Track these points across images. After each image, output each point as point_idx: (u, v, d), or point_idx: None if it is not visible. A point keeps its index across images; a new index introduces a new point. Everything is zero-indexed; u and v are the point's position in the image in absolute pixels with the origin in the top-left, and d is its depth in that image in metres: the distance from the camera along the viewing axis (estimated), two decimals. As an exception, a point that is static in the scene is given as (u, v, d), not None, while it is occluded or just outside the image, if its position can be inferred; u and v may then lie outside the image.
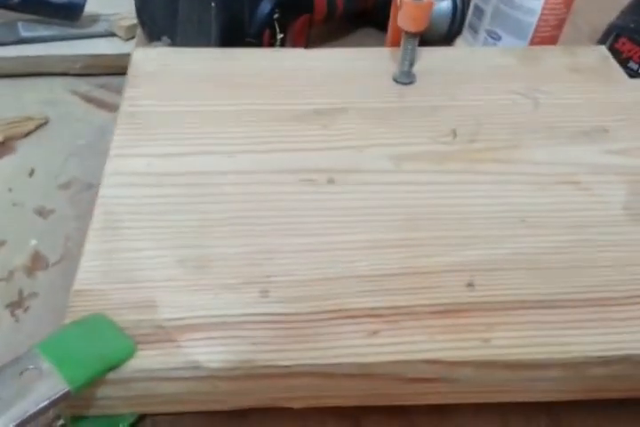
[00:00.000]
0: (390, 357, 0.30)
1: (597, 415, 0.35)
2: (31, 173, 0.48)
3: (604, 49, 0.50)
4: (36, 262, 0.43)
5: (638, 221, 0.37)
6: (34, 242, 0.44)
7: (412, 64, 0.45)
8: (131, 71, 0.45)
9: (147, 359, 0.29)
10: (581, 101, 0.45)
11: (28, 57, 0.57)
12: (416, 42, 0.44)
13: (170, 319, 0.31)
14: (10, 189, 0.46)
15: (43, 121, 0.52)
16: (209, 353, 0.29)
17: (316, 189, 0.38)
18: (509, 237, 0.36)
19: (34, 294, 0.42)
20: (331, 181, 0.38)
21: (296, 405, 0.33)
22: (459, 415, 0.35)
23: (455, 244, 0.35)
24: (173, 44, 0.53)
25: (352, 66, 0.47)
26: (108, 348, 0.29)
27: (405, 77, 0.46)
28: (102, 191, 0.37)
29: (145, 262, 0.33)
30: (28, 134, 0.51)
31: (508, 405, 0.34)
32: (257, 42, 0.50)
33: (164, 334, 0.30)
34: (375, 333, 0.31)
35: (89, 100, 0.57)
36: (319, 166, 0.39)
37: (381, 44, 0.52)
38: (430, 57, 0.48)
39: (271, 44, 0.51)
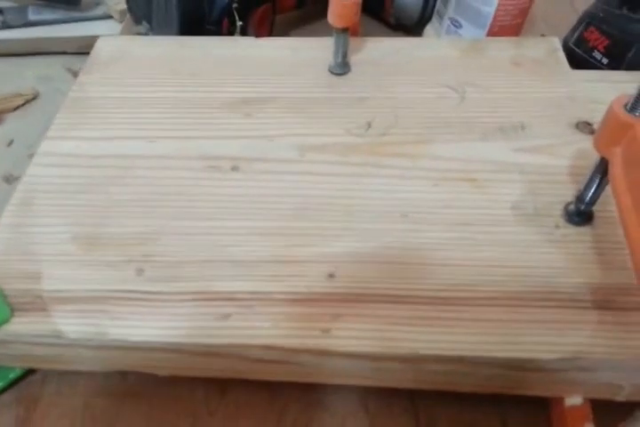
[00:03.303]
0: (231, 340, 0.31)
1: (456, 403, 0.35)
2: (9, 144, 0.50)
3: (554, 41, 0.46)
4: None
5: (523, 222, 0.35)
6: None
7: (344, 56, 0.44)
8: (89, 59, 0.46)
9: (17, 326, 0.31)
10: (510, 96, 0.42)
11: (32, 39, 0.59)
12: (346, 36, 0.42)
13: (49, 291, 0.32)
14: (-14, 158, 0.49)
15: (31, 97, 0.55)
16: (72, 324, 0.31)
17: (218, 176, 0.38)
18: (385, 231, 0.35)
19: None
20: (235, 169, 0.38)
21: (161, 373, 0.34)
22: (321, 392, 0.36)
23: (330, 235, 0.35)
24: (151, 29, 0.54)
25: (294, 55, 0.46)
26: (-12, 313, 0.31)
27: (339, 68, 0.44)
28: (29, 170, 0.38)
29: (44, 237, 0.35)
30: (17, 108, 0.54)
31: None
32: (216, 30, 0.50)
33: (40, 304, 0.32)
34: (227, 316, 0.31)
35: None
36: (228, 154, 0.39)
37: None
38: (372, 48, 0.46)
39: (230, 33, 0.50)
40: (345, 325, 0.31)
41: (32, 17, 0.60)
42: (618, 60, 0.50)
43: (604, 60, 0.50)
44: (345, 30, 0.42)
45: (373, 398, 0.36)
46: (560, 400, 0.33)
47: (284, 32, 0.60)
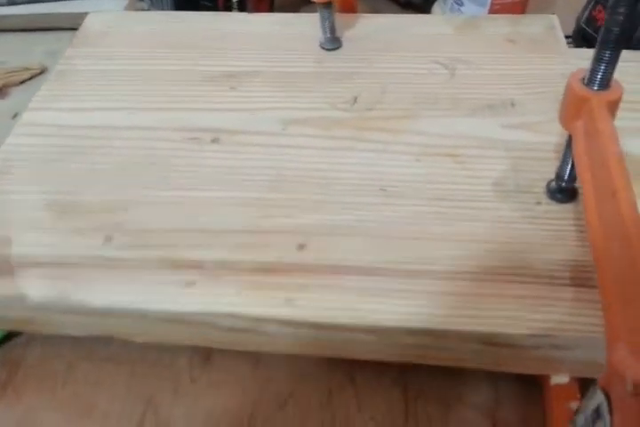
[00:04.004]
0: (194, 307, 0.30)
1: (445, 378, 0.34)
2: (14, 116, 0.50)
3: (552, 18, 0.45)
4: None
5: (504, 198, 0.34)
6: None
7: (332, 31, 0.43)
8: (78, 33, 0.46)
9: (-17, 289, 0.31)
10: (501, 73, 0.41)
11: (38, 14, 0.59)
12: (330, 10, 0.42)
13: (17, 255, 0.32)
14: (-9, 129, 0.49)
15: (38, 71, 0.55)
16: (36, 288, 0.31)
17: (197, 148, 0.37)
18: (361, 205, 0.34)
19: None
20: (215, 141, 0.38)
21: (138, 339, 0.33)
22: (306, 363, 0.35)
23: (303, 206, 0.34)
24: (151, 4, 0.54)
25: (286, 30, 0.45)
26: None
27: (330, 44, 0.43)
28: (8, 139, 0.38)
29: (17, 204, 0.35)
30: (23, 82, 0.54)
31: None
32: (212, 5, 0.49)
33: (7, 268, 0.32)
34: (191, 284, 0.31)
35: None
36: (209, 126, 0.39)
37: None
38: (366, 24, 0.45)
39: (227, 8, 0.50)
40: (310, 295, 0.30)
41: (39, -7, 0.60)
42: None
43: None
44: (328, 5, 0.41)
45: (360, 371, 0.35)
46: (548, 378, 0.32)
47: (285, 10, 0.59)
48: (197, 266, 0.32)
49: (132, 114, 0.39)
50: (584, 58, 0.42)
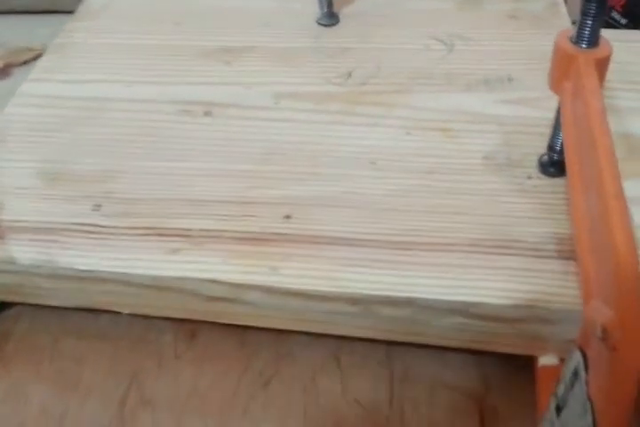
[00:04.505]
0: (178, 273, 0.30)
1: (434, 359, 0.33)
2: (16, 94, 0.51)
3: (557, -6, 0.44)
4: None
5: (494, 172, 0.34)
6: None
7: (329, 5, 0.43)
8: (79, 7, 0.46)
9: (-29, 252, 0.31)
10: (499, 48, 0.41)
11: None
12: (329, -16, 0.41)
13: (6, 220, 0.33)
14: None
15: (40, 51, 0.55)
16: (25, 252, 0.31)
17: (189, 120, 0.37)
18: (350, 177, 0.34)
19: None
20: (207, 114, 0.38)
21: (124, 310, 0.34)
22: (292, 342, 0.35)
23: (291, 178, 0.34)
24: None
25: (282, 6, 0.45)
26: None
27: (326, 19, 0.43)
28: (6, 110, 0.39)
29: (9, 171, 0.35)
30: (25, 62, 0.54)
31: (346, 336, 0.33)
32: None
33: (-2, 233, 0.32)
34: (176, 251, 0.31)
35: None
36: (202, 99, 0.39)
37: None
38: (364, 0, 0.45)
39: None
40: (295, 264, 0.30)
41: (42, -24, 0.61)
42: (636, 19, 0.48)
43: (623, 21, 0.48)
44: (327, -22, 0.41)
45: (347, 352, 0.34)
46: (535, 360, 0.31)
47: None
48: (183, 234, 0.32)
49: (127, 87, 0.39)
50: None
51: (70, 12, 0.60)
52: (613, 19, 0.49)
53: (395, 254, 0.30)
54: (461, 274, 0.29)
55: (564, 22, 0.42)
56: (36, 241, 0.32)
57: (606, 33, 0.44)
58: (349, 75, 0.39)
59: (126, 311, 0.34)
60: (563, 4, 0.44)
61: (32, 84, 0.40)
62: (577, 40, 0.26)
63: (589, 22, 0.25)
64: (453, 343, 0.31)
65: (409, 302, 0.29)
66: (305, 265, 0.30)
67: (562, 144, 0.31)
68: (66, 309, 0.35)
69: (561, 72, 0.27)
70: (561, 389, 0.23)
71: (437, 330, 0.31)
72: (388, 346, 0.34)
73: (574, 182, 0.23)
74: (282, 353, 0.35)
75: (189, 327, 0.35)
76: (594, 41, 0.26)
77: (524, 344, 0.31)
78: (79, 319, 0.36)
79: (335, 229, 0.31)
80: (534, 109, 0.37)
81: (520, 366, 0.32)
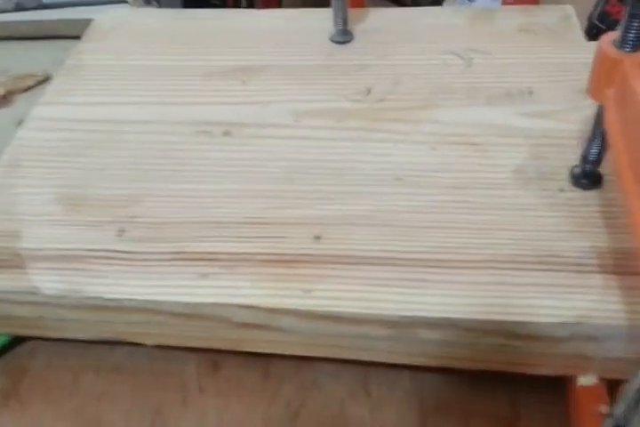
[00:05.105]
0: (210, 298, 0.29)
1: (463, 386, 0.32)
2: (19, 124, 0.49)
3: (567, 8, 0.44)
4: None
5: (525, 185, 0.33)
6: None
7: (344, 22, 0.42)
8: (89, 29, 0.45)
9: (-9, 282, 0.30)
10: (517, 62, 0.40)
11: (45, 21, 0.59)
12: (344, 1, 0.41)
13: (28, 249, 0.31)
14: (-5, 137, 0.49)
15: (43, 78, 0.54)
16: (48, 281, 0.30)
17: (208, 141, 0.37)
18: (377, 195, 0.33)
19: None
20: (226, 134, 0.37)
21: (148, 341, 0.32)
22: (317, 371, 0.33)
23: (318, 197, 0.33)
24: (159, 7, 0.53)
25: (295, 25, 0.45)
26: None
27: (341, 36, 0.43)
28: (19, 133, 0.38)
29: (27, 198, 0.34)
30: (27, 89, 0.53)
31: (372, 364, 0.32)
32: (221, 4, 0.49)
33: (18, 262, 0.31)
34: (205, 275, 0.30)
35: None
36: (220, 119, 0.38)
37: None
38: (376, 17, 0.45)
39: (236, 6, 0.49)
40: (328, 286, 0.29)
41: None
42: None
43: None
44: (341, -5, 0.40)
45: (374, 380, 0.33)
46: (573, 381, 0.30)
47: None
48: (211, 258, 0.30)
49: (142, 108, 0.39)
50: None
51: (71, 38, 0.60)
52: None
53: (431, 273, 0.29)
54: (502, 292, 0.28)
55: (576, 35, 0.42)
56: (59, 270, 0.30)
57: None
58: (369, 91, 0.39)
59: (150, 343, 0.32)
60: (574, 17, 0.43)
61: (44, 108, 0.39)
62: (621, 44, 0.25)
63: (636, 24, 0.24)
64: (489, 366, 0.30)
65: (450, 324, 0.28)
66: (339, 286, 0.29)
67: (596, 155, 0.31)
68: (82, 342, 0.34)
69: (604, 78, 0.26)
70: (621, 408, 0.22)
71: (473, 353, 0.30)
72: (413, 373, 0.33)
73: (631, 191, 0.22)
74: (307, 383, 0.33)
75: (212, 358, 0.34)
76: (639, 44, 0.25)
77: (564, 364, 0.30)
78: (97, 353, 0.35)
79: (367, 249, 0.30)
80: (558, 122, 0.36)
81: (551, 391, 0.31)
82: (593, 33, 0.47)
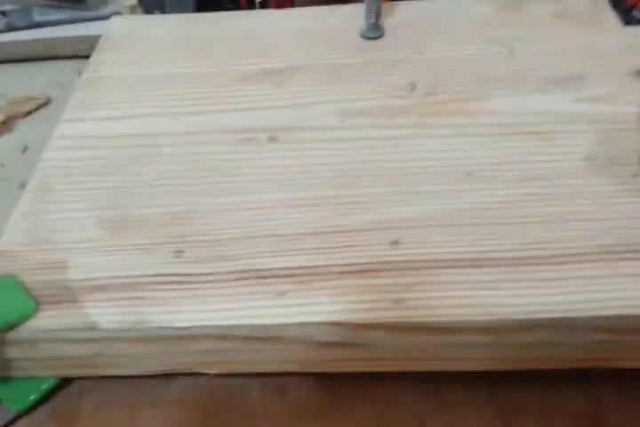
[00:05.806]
0: (291, 319, 0.26)
1: (539, 387, 0.29)
2: (24, 150, 0.46)
3: (595, -9, 0.42)
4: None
5: (600, 173, 0.31)
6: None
7: (378, 15, 0.40)
8: (101, 39, 0.42)
9: (44, 320, 0.27)
10: (560, 48, 0.38)
11: (39, 40, 0.55)
12: (377, -8, 0.39)
13: (77, 280, 0.28)
14: (2, 165, 0.45)
15: (43, 101, 0.50)
16: (106, 314, 0.27)
17: (254, 148, 0.34)
18: (449, 193, 0.30)
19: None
20: (272, 140, 0.34)
21: (214, 370, 0.29)
22: (389, 385, 0.31)
23: (386, 200, 0.30)
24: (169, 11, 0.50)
25: (321, 23, 0.42)
26: (9, 308, 0.27)
27: (372, 32, 0.40)
28: (45, 154, 0.34)
29: (66, 224, 0.31)
30: (28, 114, 0.50)
31: (444, 374, 0.29)
32: (234, 7, 0.46)
33: (69, 295, 0.28)
34: (282, 294, 0.27)
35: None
36: (262, 125, 0.35)
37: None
38: (403, 11, 0.43)
39: (250, 8, 0.47)
40: (419, 294, 0.26)
41: (38, 18, 0.57)
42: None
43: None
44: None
45: (448, 390, 0.30)
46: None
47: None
48: (283, 275, 0.28)
49: (175, 118, 0.36)
50: (635, 34, 0.40)
51: (67, 58, 0.57)
52: (634, 18, 0.47)
53: (521, 272, 0.27)
54: (603, 285, 0.26)
55: (608, 19, 0.40)
56: (117, 300, 0.27)
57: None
58: (414, 86, 0.36)
59: (216, 371, 0.29)
60: (604, 2, 0.42)
61: (68, 125, 0.36)
62: None
63: None
64: (580, 365, 0.28)
65: (553, 324, 0.26)
66: (431, 294, 0.26)
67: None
68: (133, 377, 0.30)
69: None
70: None
71: (568, 351, 0.27)
72: (487, 379, 0.30)
73: None
74: (380, 400, 0.31)
75: (275, 382, 0.31)
76: None
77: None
78: (150, 387, 0.31)
79: (450, 251, 0.28)
80: (614, 106, 0.34)
81: (634, 386, 0.29)
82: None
